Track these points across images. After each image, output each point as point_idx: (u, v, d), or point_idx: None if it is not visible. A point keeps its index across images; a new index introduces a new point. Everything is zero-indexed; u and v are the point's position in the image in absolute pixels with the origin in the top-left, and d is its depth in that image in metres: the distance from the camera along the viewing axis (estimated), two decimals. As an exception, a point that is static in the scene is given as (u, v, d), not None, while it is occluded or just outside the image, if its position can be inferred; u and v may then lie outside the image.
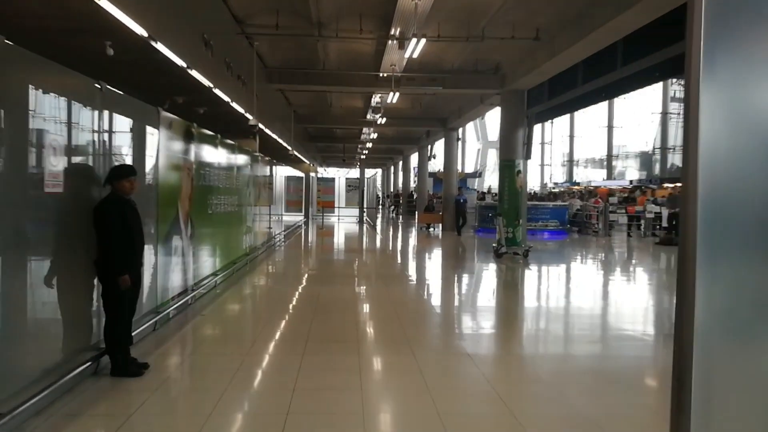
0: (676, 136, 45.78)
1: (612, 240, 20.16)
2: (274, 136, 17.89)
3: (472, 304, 8.99)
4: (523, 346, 6.30)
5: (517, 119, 14.97)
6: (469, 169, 62.53)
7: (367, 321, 7.26)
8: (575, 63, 11.84)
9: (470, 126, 75.64)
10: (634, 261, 15.25)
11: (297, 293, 9.18)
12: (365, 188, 29.04)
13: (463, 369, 5.19)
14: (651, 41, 9.69)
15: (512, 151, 14.87)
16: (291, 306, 8.15)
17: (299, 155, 27.59)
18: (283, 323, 6.96)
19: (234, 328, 6.85)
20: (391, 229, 26.16)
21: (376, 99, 18.27)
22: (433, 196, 30.65)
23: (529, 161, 15.63)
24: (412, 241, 20.66)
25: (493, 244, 14.56)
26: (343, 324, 6.86)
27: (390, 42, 11.53)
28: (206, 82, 9.26)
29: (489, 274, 12.03)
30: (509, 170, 14.81)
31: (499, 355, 5.87)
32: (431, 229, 23.61)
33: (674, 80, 40.43)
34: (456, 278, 11.82)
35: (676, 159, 45.41)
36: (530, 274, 12.34)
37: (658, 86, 45.39)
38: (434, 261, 14.89)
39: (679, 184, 28.87)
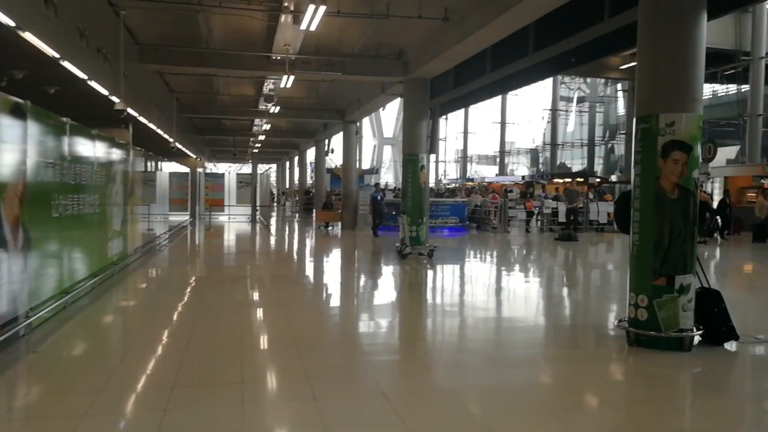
0: (564, 132, 47.61)
1: (511, 236, 19.90)
2: (151, 125, 15.79)
3: (381, 317, 7.81)
4: (448, 376, 5.19)
5: (420, 110, 14.02)
6: (366, 165, 62.09)
7: (255, 350, 5.85)
8: (485, 48, 11.02)
9: (366, 122, 75.28)
10: (541, 258, 14.83)
11: (169, 313, 7.56)
12: (258, 185, 27.16)
13: (379, 416, 3.97)
14: (567, 24, 9.01)
15: (416, 144, 13.91)
16: (159, 332, 6.55)
17: (184, 149, 25.25)
18: (145, 360, 5.39)
19: (76, 370, 5.18)
20: (286, 229, 24.56)
21: (268, 86, 16.68)
22: (331, 193, 29.42)
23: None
24: (310, 241, 19.25)
25: (397, 244, 13.53)
26: (223, 356, 5.42)
27: (283, 17, 10.11)
28: (49, 51, 7.37)
29: (395, 279, 10.95)
30: (413, 165, 13.84)
31: (421, 391, 4.71)
32: (330, 228, 22.33)
33: (566, 78, 41.80)
34: (360, 285, 10.62)
35: (565, 155, 47.19)
36: (438, 277, 11.41)
37: (548, 84, 46.97)
38: (334, 265, 13.62)
39: (574, 180, 29.63)
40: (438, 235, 19.43)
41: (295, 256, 15.17)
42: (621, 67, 30.88)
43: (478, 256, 15.05)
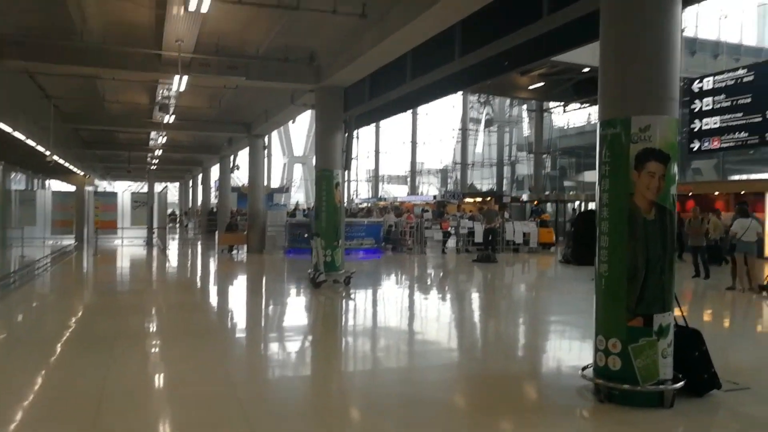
0: (473, 152, 47.99)
1: (428, 258, 18.97)
2: (19, 136, 13.48)
3: (295, 372, 6.36)
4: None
5: (334, 122, 12.74)
6: (276, 184, 60.04)
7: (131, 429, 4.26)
8: (406, 51, 9.93)
9: (276, 140, 73.25)
10: (466, 284, 13.88)
11: (24, 369, 5.74)
12: (155, 204, 24.73)
13: None
14: (501, 22, 8.09)
15: (330, 159, 12.58)
16: (6, 399, 4.78)
17: (67, 164, 22.51)
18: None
19: None
20: (185, 253, 22.39)
21: (162, 92, 14.82)
22: (236, 213, 27.45)
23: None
24: (208, 268, 17.38)
25: (309, 270, 12.08)
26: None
27: (175, 8, 8.54)
28: None
29: (309, 315, 9.51)
30: (327, 182, 12.49)
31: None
32: (234, 252, 20.46)
33: (476, 96, 42.06)
34: (269, 325, 9.05)
35: (475, 175, 47.52)
36: (358, 310, 10.10)
37: (458, 103, 47.32)
38: (238, 297, 11.97)
39: (487, 198, 29.27)
40: (353, 258, 18.16)
41: (188, 287, 13.32)
42: (530, 87, 31.51)
43: (399, 282, 13.87)
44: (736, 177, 25.53)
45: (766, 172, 24.39)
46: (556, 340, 7.74)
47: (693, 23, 26.66)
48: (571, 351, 7.01)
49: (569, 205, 30.77)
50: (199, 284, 13.70)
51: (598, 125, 4.78)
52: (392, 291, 12.48)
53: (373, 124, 54.66)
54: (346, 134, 13.40)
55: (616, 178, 4.57)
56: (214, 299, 11.42)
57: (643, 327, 4.46)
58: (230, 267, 16.77)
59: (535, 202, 20.80)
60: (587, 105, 33.27)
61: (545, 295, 12.06)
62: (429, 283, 13.88)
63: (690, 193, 21.85)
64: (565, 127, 38.38)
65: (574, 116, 37.01)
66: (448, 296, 11.89)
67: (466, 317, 9.56)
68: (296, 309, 10.04)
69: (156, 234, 24.14)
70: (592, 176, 37.39)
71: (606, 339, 4.62)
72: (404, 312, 9.88)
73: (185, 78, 11.20)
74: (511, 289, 13.13)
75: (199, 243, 27.31)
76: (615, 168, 4.57)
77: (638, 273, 4.47)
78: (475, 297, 11.83)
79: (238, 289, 12.81)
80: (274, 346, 7.28)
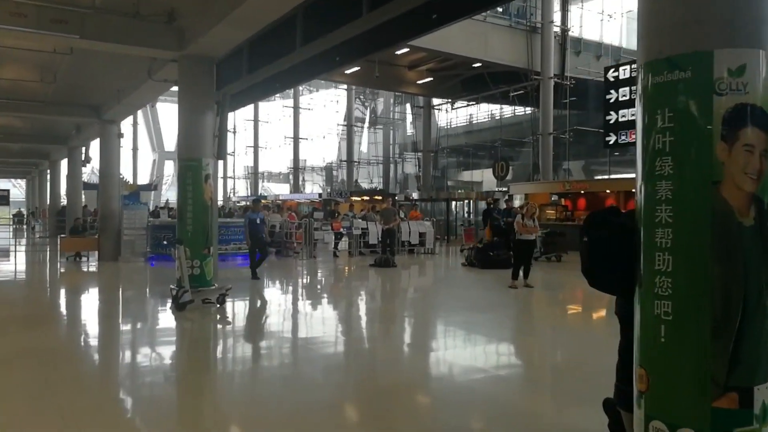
0: (358, 150, 46.27)
1: (319, 263, 16.76)
2: None
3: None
4: None
5: (203, 100, 10.14)
6: (144, 180, 54.87)
7: None
8: (295, 6, 7.67)
9: (144, 133, 67.12)
10: (370, 294, 11.80)
11: None
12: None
13: None
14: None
15: (197, 146, 9.98)
16: None
17: None
18: None
19: None
20: (19, 261, 18.35)
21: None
22: (92, 213, 23.57)
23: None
24: (44, 280, 13.95)
25: (172, 287, 9.38)
26: None
27: None
28: None
29: (165, 352, 6.94)
30: (194, 174, 9.86)
31: None
32: (82, 259, 16.98)
33: (361, 94, 40.30)
34: (110, 374, 6.37)
35: (361, 173, 45.81)
36: (236, 342, 7.66)
37: (342, 99, 45.28)
38: (74, 325, 8.99)
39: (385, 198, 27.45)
40: (229, 265, 15.56)
41: (14, 310, 10.00)
42: (418, 82, 30.26)
43: (290, 297, 11.48)
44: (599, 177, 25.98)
45: (626, 173, 24.90)
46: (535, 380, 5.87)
47: (578, 24, 26.61)
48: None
49: (462, 203, 29.92)
50: (32, 305, 10.28)
51: (641, 71, 2.86)
52: (280, 309, 10.11)
53: (251, 120, 51.38)
54: (219, 117, 10.83)
55: (687, 156, 2.66)
56: (53, 327, 8.27)
57: (739, 409, 2.59)
58: (68, 280, 13.49)
59: (488, 201, 19.36)
60: (473, 103, 32.80)
61: (466, 309, 10.25)
62: (325, 296, 11.66)
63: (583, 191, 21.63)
64: (449, 126, 37.80)
65: (457, 114, 36.54)
66: (352, 315, 9.74)
67: (378, 351, 7.45)
68: (147, 344, 7.39)
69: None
70: (478, 176, 37.42)
71: (671, 430, 2.70)
72: (298, 339, 7.60)
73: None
74: (423, 302, 11.23)
75: (41, 248, 23.02)
76: (683, 138, 2.66)
77: (730, 317, 2.60)
78: (386, 317, 9.75)
79: (74, 312, 9.79)
80: (99, 416, 4.70)
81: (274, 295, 11.28)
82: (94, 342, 7.62)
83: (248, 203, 38.81)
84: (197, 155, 9.88)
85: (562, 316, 9.56)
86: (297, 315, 9.62)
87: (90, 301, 11.07)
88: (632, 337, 3.01)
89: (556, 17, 25.02)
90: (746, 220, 2.59)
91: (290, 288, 12.06)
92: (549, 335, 7.92)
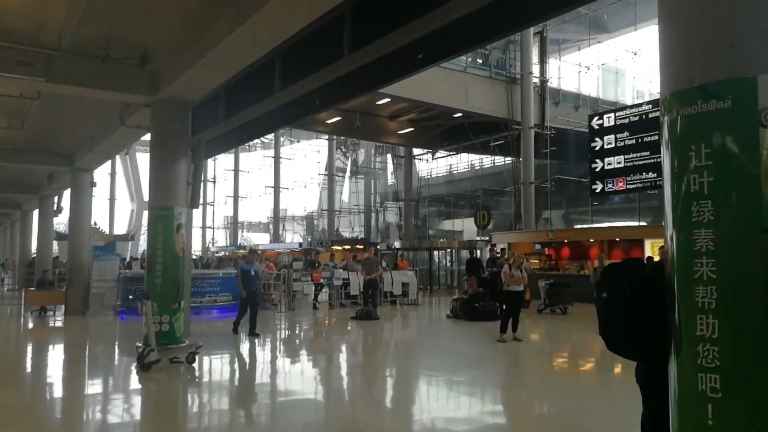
0: (339, 199, 45.95)
1: (298, 315, 16.07)
2: None
3: None
4: None
5: (177, 146, 9.69)
6: (122, 230, 53.83)
7: None
8: (273, 48, 7.35)
9: (122, 182, 66.35)
10: (360, 353, 11.13)
11: None
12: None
13: None
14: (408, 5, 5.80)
15: (169, 194, 9.45)
16: None
17: None
18: None
19: None
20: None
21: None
22: (62, 265, 22.67)
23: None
24: (9, 335, 13.08)
25: (138, 345, 8.67)
26: None
27: None
28: None
29: (121, 425, 6.22)
30: (165, 224, 9.30)
31: None
32: (49, 313, 16.11)
33: (342, 145, 40.21)
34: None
35: (342, 222, 45.40)
36: (205, 408, 6.95)
37: (324, 149, 45.18)
38: (17, 389, 8.21)
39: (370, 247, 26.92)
40: (204, 319, 14.84)
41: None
42: (399, 132, 30.27)
43: (267, 353, 10.78)
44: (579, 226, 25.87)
45: (607, 222, 24.81)
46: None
47: (556, 75, 26.99)
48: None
49: (444, 252, 29.51)
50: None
51: (665, 103, 2.47)
52: (255, 368, 9.41)
53: (232, 170, 50.96)
54: (193, 164, 10.38)
55: (730, 199, 2.24)
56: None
57: None
58: (28, 337, 12.65)
59: (490, 249, 18.77)
60: (454, 153, 32.85)
61: (453, 366, 9.64)
62: (304, 352, 10.98)
63: (566, 240, 21.34)
64: (429, 176, 37.84)
65: (438, 164, 36.60)
66: (332, 373, 9.07)
67: (359, 415, 6.80)
68: (102, 411, 6.66)
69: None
70: (459, 225, 37.23)
71: None
72: (272, 407, 6.92)
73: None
74: (407, 358, 10.58)
75: (9, 302, 21.99)
76: (725, 178, 2.25)
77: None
78: (367, 376, 9.08)
79: (29, 374, 8.98)
80: None
81: (250, 352, 10.58)
82: (36, 411, 6.86)
83: (227, 253, 38.07)
84: (169, 203, 9.35)
85: (559, 375, 8.98)
86: (273, 374, 8.93)
87: (44, 361, 10.25)
88: (657, 406, 2.53)
89: (535, 69, 25.33)
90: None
91: (267, 343, 11.37)
92: (541, 397, 7.34)
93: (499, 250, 18.83)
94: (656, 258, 11.76)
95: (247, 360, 9.97)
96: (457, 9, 5.08)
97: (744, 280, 2.20)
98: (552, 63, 26.80)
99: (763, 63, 2.21)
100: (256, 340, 11.12)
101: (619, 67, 28.07)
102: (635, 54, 23.38)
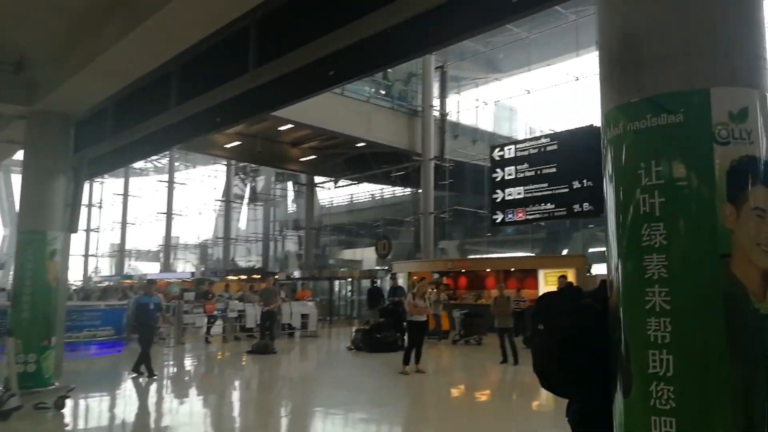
0: (236, 227, 44.33)
1: (189, 350, 14.99)
2: None
3: None
4: None
5: (55, 163, 8.70)
6: (-10, 258, 48.73)
7: None
8: (168, 59, 6.76)
9: (-8, 204, 60.30)
10: (242, 389, 10.36)
11: None
12: None
13: None
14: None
15: (42, 217, 8.42)
16: None
17: None
18: None
19: None
20: None
21: None
22: None
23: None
24: None
25: (-2, 388, 7.50)
26: None
27: None
28: None
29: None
30: (36, 249, 8.24)
31: None
32: None
33: (241, 171, 38.89)
34: None
35: (239, 250, 43.78)
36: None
37: (221, 174, 43.59)
38: None
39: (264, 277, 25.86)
40: (82, 355, 13.43)
41: None
42: (301, 160, 29.83)
43: (151, 393, 9.76)
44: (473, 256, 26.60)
45: (501, 253, 25.68)
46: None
47: (455, 109, 27.76)
48: None
49: (345, 281, 29.04)
50: None
51: (606, 118, 2.29)
52: (133, 411, 8.43)
53: (121, 194, 47.88)
54: (74, 183, 9.35)
55: (683, 221, 2.05)
56: None
57: None
58: None
59: (391, 278, 18.34)
60: (356, 182, 32.82)
61: (354, 404, 9.17)
62: (194, 391, 10.08)
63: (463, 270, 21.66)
64: (331, 205, 37.57)
65: (339, 193, 36.42)
66: (222, 414, 8.31)
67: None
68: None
69: None
70: (359, 254, 37.03)
71: None
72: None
73: None
74: (307, 395, 9.98)
75: None
76: (678, 198, 2.06)
77: (756, 437, 1.93)
78: (265, 415, 8.40)
79: None
80: None
81: (130, 392, 9.53)
82: None
83: (111, 284, 35.41)
84: (41, 228, 8.32)
85: (463, 410, 8.77)
86: (158, 417, 8.04)
87: None
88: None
89: (436, 102, 25.93)
90: (763, 306, 1.98)
91: (153, 382, 10.35)
92: None
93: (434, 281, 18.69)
94: (555, 288, 12.03)
95: (126, 402, 8.97)
96: (366, 28, 4.84)
97: (701, 311, 2.00)
98: (451, 97, 27.61)
99: (717, 75, 2.06)
100: (141, 380, 10.08)
101: (512, 104, 29.34)
102: (528, 92, 24.59)
